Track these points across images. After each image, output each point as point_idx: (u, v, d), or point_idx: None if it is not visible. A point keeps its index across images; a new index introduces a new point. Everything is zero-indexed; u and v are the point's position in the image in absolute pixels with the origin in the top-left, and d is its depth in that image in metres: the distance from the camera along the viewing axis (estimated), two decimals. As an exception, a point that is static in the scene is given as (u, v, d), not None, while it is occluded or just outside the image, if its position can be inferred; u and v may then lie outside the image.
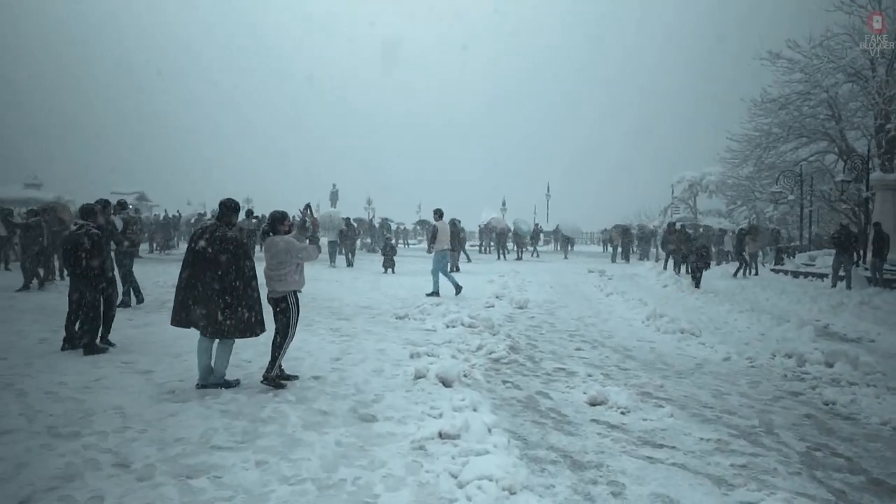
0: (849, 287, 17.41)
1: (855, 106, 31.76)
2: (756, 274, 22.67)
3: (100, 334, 8.28)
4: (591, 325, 11.52)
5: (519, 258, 32.18)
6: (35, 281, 14.39)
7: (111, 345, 8.40)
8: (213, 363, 6.55)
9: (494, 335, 9.82)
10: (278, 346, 6.61)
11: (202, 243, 6.44)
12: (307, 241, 6.83)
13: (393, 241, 22.63)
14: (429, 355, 8.14)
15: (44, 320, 10.30)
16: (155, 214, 43.85)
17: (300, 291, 6.79)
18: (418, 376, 6.92)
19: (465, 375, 7.11)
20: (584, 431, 5.50)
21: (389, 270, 21.35)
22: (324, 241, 28.56)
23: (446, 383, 6.71)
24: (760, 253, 26.34)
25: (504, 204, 60.66)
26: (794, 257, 25.81)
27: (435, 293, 14.93)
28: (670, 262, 23.68)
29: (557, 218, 57.37)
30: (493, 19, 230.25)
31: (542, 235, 41.25)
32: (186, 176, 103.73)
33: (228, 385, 6.52)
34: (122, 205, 12.65)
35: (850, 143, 32.46)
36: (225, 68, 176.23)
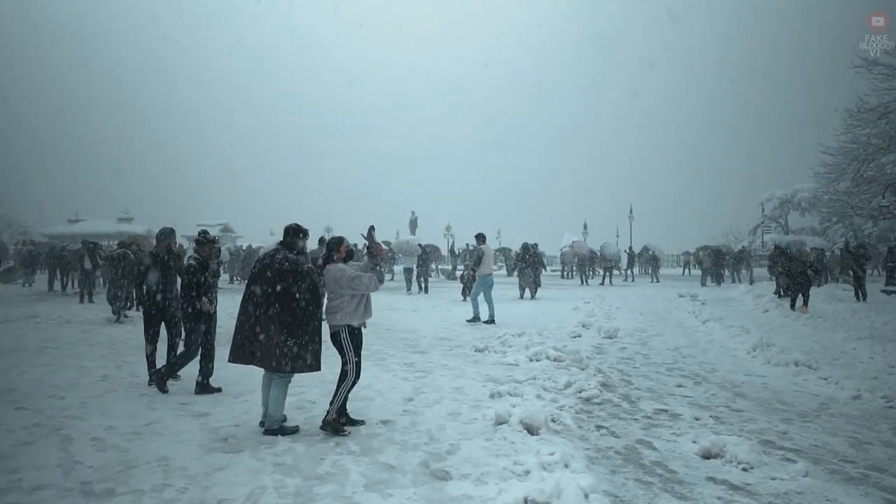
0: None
1: None
2: (864, 297, 20.85)
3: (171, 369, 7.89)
4: (690, 356, 10.44)
5: (602, 283, 30.93)
6: (116, 313, 14.45)
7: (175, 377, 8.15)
8: (268, 405, 5.95)
9: (583, 370, 8.92)
10: (337, 389, 5.96)
11: (259, 268, 5.94)
12: (375, 268, 6.10)
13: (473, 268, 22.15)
14: (511, 395, 7.33)
15: (111, 355, 10.00)
16: (238, 246, 44.49)
17: (362, 325, 6.10)
18: (500, 422, 6.10)
19: (552, 420, 6.25)
20: (701, 494, 4.55)
21: (469, 299, 20.61)
22: (399, 268, 28.13)
23: (532, 430, 5.87)
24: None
25: (585, 227, 59.28)
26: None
27: (476, 318, 14.65)
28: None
29: (641, 240, 55.64)
30: (564, 29, 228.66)
31: (636, 259, 39.62)
32: (269, 208, 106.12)
33: (285, 431, 5.87)
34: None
35: None
36: (302, 98, 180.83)
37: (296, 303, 5.79)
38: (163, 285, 8.35)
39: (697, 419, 6.59)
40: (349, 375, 5.95)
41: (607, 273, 31.83)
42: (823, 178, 36.44)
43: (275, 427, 5.90)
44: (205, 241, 8.12)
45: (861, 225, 52.69)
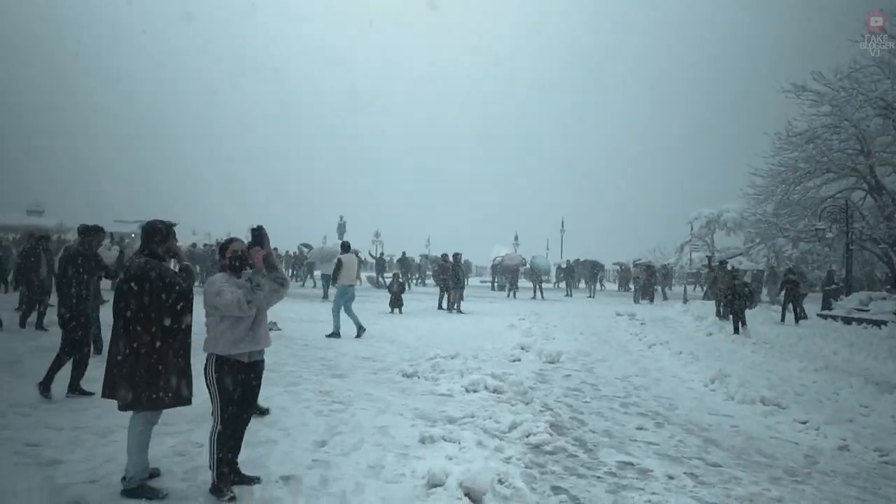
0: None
1: (885, 140, 30.18)
2: (804, 318, 20.42)
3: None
4: (643, 387, 9.33)
5: (534, 296, 29.85)
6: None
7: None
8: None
9: (528, 404, 7.70)
10: (211, 440, 4.53)
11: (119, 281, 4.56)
12: (260, 282, 4.54)
13: (402, 278, 20.64)
14: (446, 439, 6.02)
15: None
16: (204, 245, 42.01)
17: (246, 357, 4.59)
18: (433, 484, 4.78)
19: (499, 481, 4.96)
20: None
21: (396, 311, 19.20)
22: (318, 273, 26.62)
23: (474, 498, 4.57)
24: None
25: (517, 239, 58.63)
26: (837, 300, 23.50)
27: (335, 334, 13.31)
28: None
29: (570, 254, 55.33)
30: (505, 51, 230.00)
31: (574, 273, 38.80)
32: (191, 206, 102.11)
33: (147, 493, 4.41)
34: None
35: (880, 178, 30.93)
36: (233, 95, 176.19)
37: (152, 319, 4.42)
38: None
39: (671, 478, 5.40)
40: (215, 423, 4.51)
41: (538, 287, 30.76)
42: (752, 199, 36.70)
43: (133, 486, 4.43)
44: (86, 230, 7.63)
45: (783, 246, 53.99)
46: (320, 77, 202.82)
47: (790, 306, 20.49)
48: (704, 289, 32.20)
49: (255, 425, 5.16)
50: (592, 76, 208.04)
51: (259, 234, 4.47)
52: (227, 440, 4.52)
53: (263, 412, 6.64)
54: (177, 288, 4.54)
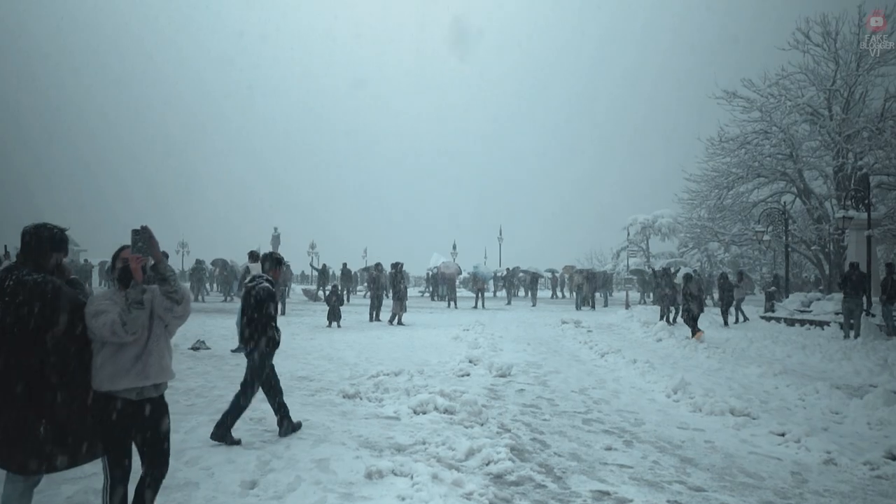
0: (857, 336, 15.12)
1: (812, 145, 31.06)
2: (745, 321, 20.31)
3: None
4: (603, 401, 8.69)
5: (475, 306, 29.17)
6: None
7: None
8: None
9: (483, 425, 6.96)
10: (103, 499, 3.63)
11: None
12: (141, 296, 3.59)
13: (341, 290, 19.48)
14: (396, 473, 5.24)
15: None
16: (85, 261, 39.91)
17: (135, 395, 3.61)
18: (384, 535, 3.99)
19: (463, 526, 4.20)
20: None
21: (335, 324, 18.25)
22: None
23: (435, 552, 3.80)
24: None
25: (455, 248, 58.03)
26: (779, 302, 23.58)
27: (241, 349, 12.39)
28: (668, 314, 21.11)
29: (508, 262, 55.14)
30: (448, 64, 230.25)
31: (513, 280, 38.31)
32: (114, 216, 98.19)
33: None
34: None
35: (808, 183, 31.61)
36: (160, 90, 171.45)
37: (33, 352, 3.44)
38: None
39: (654, 508, 4.74)
40: (104, 479, 3.62)
41: (480, 295, 30.10)
42: (686, 204, 37.12)
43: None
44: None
45: (715, 250, 54.98)
46: (246, 75, 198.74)
47: (731, 310, 20.42)
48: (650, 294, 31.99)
49: (173, 463, 4.26)
50: (525, 82, 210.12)
51: (142, 237, 3.51)
52: (124, 499, 3.61)
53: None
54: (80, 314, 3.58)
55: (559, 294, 46.22)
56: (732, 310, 20.92)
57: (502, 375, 10.25)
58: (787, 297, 23.62)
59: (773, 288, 25.94)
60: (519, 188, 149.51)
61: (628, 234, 62.15)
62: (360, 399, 8.28)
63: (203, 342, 12.78)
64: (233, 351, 12.31)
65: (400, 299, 19.87)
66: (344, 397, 8.40)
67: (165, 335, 3.76)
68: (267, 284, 6.57)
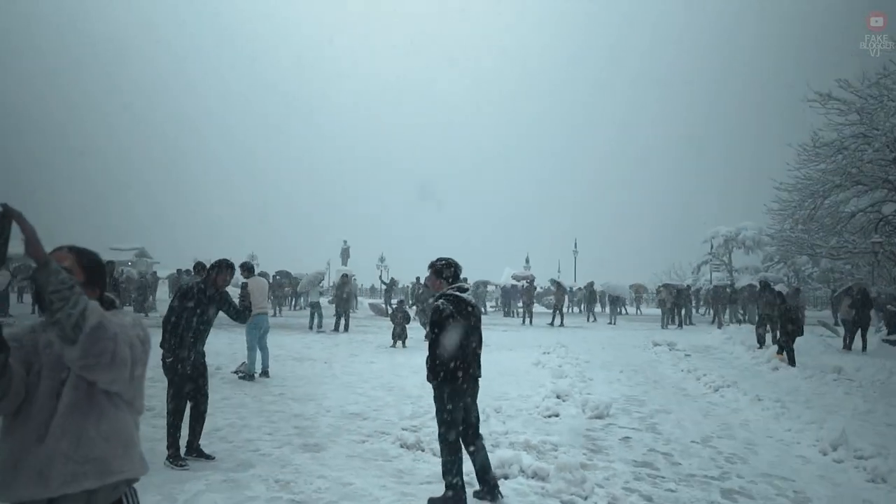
0: None
1: None
2: (864, 349, 17.58)
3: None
4: (738, 458, 6.62)
5: (552, 323, 26.92)
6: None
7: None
8: None
9: (586, 498, 5.11)
10: None
11: None
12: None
13: (406, 306, 17.72)
14: None
15: None
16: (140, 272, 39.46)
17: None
18: None
19: None
20: None
21: (400, 343, 16.54)
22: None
23: None
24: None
25: (528, 261, 55.91)
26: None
27: (246, 373, 10.82)
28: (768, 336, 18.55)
29: (583, 276, 52.70)
30: (509, 66, 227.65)
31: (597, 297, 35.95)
32: (190, 231, 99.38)
33: None
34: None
35: None
36: (236, 120, 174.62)
37: None
38: None
39: None
40: None
41: (556, 311, 27.80)
42: (777, 215, 34.42)
43: None
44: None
45: (803, 265, 51.41)
46: (328, 94, 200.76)
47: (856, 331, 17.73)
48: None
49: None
50: (602, 92, 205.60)
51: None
52: None
53: None
54: None
55: (637, 311, 43.85)
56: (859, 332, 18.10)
57: (599, 416, 8.27)
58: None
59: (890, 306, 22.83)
60: (595, 199, 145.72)
61: (711, 247, 58.70)
62: (422, 451, 6.47)
63: (244, 369, 11.14)
64: (239, 377, 10.79)
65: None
66: (401, 446, 6.62)
67: (110, 402, 2.10)
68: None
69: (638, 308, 46.05)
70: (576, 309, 44.48)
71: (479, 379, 5.10)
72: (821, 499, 5.40)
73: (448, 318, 4.78)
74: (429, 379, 4.93)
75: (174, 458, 5.80)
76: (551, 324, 26.58)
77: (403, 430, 7.34)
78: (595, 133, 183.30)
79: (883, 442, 7.06)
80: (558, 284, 30.01)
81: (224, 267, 6.41)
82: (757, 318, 19.73)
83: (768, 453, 6.82)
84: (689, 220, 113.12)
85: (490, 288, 45.55)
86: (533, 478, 5.51)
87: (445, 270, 5.07)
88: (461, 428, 4.90)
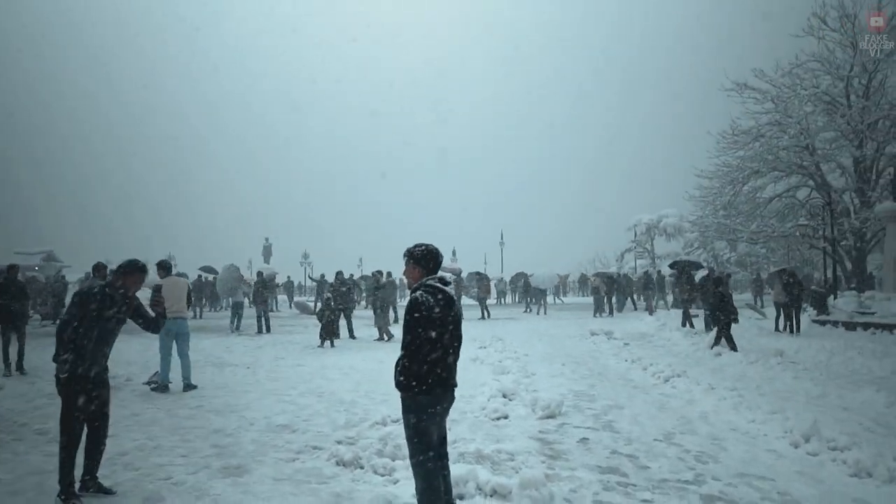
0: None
1: (828, 136, 29.33)
2: (797, 330, 17.60)
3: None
4: (708, 456, 6.05)
5: (482, 316, 26.29)
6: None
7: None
8: None
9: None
10: None
11: None
12: None
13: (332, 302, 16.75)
14: None
15: None
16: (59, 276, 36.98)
17: None
18: None
19: None
20: None
21: (328, 344, 15.61)
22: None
23: None
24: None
25: (454, 254, 55.37)
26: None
27: (161, 386, 9.73)
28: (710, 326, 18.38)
29: (510, 267, 52.59)
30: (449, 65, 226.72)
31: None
32: (100, 233, 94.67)
33: None
34: None
35: (826, 176, 29.70)
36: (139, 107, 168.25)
37: None
38: None
39: None
40: None
41: (484, 306, 27.20)
42: (699, 202, 35.06)
43: None
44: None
45: (721, 250, 52.75)
46: (245, 82, 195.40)
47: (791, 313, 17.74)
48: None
49: None
50: (523, 82, 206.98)
51: None
52: None
53: None
54: None
55: (559, 300, 44.11)
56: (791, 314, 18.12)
57: (551, 416, 7.62)
58: (835, 298, 20.98)
59: (822, 288, 23.12)
60: (519, 192, 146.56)
61: (635, 235, 59.55)
62: (362, 468, 5.65)
63: (155, 380, 10.05)
64: (151, 389, 9.79)
65: (384, 310, 17.36)
66: (337, 464, 5.78)
67: None
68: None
69: (559, 298, 46.25)
70: (504, 300, 44.31)
71: (455, 389, 4.30)
72: (809, 500, 4.87)
73: (430, 313, 3.97)
74: (400, 387, 4.04)
75: (67, 496, 4.84)
76: (481, 317, 25.98)
77: (338, 442, 6.53)
78: (520, 130, 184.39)
79: (851, 430, 6.64)
80: (480, 276, 29.53)
81: (134, 268, 5.37)
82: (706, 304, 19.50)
83: (737, 449, 6.30)
84: (612, 210, 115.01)
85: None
86: (492, 496, 4.80)
87: (425, 260, 4.26)
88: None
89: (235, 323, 20.22)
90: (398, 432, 6.48)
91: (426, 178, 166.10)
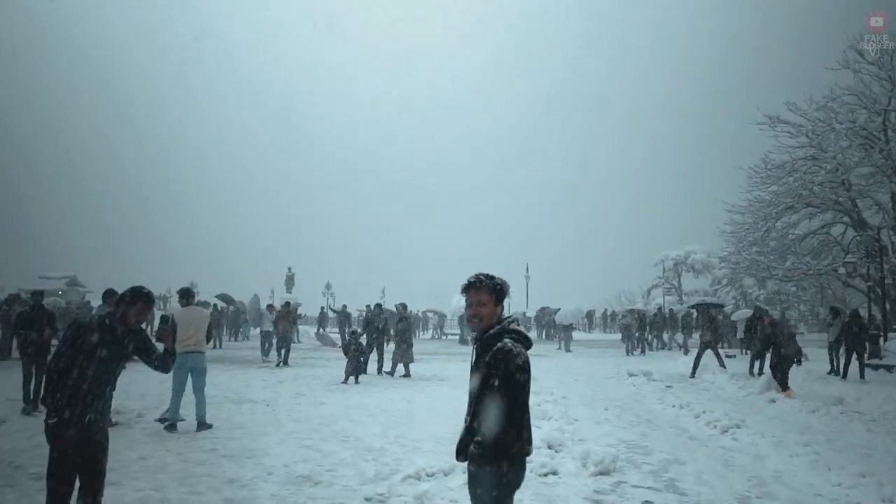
0: None
1: (863, 171, 28.60)
2: (844, 375, 16.35)
3: None
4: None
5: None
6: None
7: None
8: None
9: None
10: None
11: None
12: None
13: (361, 337, 16.07)
14: None
15: None
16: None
17: None
18: None
19: None
20: None
21: (352, 380, 14.83)
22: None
23: None
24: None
25: (478, 287, 54.42)
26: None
27: (170, 423, 8.97)
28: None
29: (534, 301, 51.61)
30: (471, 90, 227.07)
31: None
32: (124, 259, 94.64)
33: None
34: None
35: (862, 212, 28.87)
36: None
37: None
38: None
39: None
40: None
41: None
42: (731, 237, 34.26)
43: None
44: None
45: (749, 287, 51.52)
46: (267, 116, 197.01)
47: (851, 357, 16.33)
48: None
49: None
50: (550, 112, 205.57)
51: None
52: None
53: None
54: None
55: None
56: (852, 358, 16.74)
57: (605, 472, 6.76)
58: (885, 340, 19.84)
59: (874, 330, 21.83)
60: (543, 226, 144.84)
61: (663, 270, 58.46)
62: (396, 536, 4.86)
63: (171, 412, 9.31)
64: (164, 428, 9.04)
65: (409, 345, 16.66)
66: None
67: None
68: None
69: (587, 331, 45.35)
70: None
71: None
72: None
73: (525, 369, 3.16)
74: (476, 461, 3.17)
75: None
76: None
77: (367, 500, 5.75)
78: (542, 161, 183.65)
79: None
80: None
81: (139, 297, 4.61)
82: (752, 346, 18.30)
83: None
84: (635, 245, 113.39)
85: (429, 315, 44.25)
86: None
87: (504, 294, 3.46)
88: None
89: (266, 350, 20.48)
90: (436, 491, 5.73)
91: (450, 208, 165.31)
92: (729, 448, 8.24)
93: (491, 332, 3.28)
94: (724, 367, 17.12)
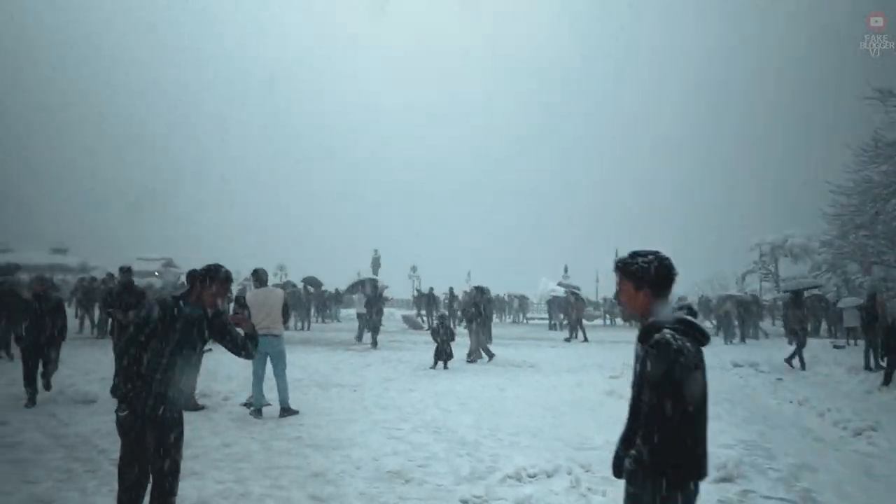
0: None
1: None
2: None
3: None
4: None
5: (569, 339, 24.17)
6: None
7: None
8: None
9: None
10: None
11: None
12: None
13: (449, 321, 15.49)
14: None
15: None
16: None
17: None
18: None
19: None
20: None
21: (440, 365, 14.38)
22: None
23: None
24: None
25: (566, 271, 53.32)
26: None
27: (255, 409, 8.65)
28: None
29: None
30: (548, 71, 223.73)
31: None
32: (218, 240, 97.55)
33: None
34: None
35: None
36: (262, 130, 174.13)
37: None
38: None
39: None
40: None
41: (578, 326, 24.87)
42: (835, 220, 32.24)
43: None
44: None
45: (853, 274, 48.59)
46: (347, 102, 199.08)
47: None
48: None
49: None
50: (653, 100, 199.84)
51: None
52: None
53: None
54: None
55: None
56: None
57: (728, 479, 6.01)
58: None
59: None
60: (631, 207, 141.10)
61: (760, 254, 55.90)
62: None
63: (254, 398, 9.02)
64: (250, 413, 8.73)
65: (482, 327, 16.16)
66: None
67: None
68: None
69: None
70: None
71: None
72: None
73: (692, 369, 2.52)
74: (636, 475, 2.59)
75: None
76: (568, 339, 23.98)
77: (463, 502, 5.21)
78: (636, 135, 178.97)
79: None
80: (576, 296, 27.53)
81: (214, 277, 4.20)
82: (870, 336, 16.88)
83: None
84: (727, 227, 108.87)
85: (514, 297, 43.14)
86: None
87: (661, 275, 2.78)
88: None
89: (359, 333, 20.71)
90: (540, 496, 5.14)
91: (533, 192, 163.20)
92: (867, 454, 7.30)
93: (648, 322, 2.65)
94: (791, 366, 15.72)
